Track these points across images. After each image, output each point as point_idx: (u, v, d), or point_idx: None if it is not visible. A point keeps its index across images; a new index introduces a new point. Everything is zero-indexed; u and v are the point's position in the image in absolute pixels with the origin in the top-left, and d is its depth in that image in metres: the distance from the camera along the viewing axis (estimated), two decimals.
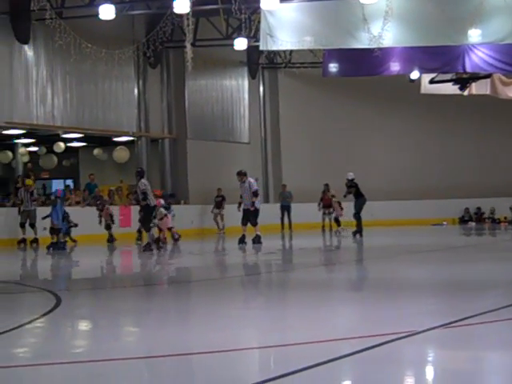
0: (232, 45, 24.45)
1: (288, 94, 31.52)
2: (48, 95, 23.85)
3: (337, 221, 24.96)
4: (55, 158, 31.28)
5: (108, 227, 20.99)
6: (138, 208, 17.83)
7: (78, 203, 23.58)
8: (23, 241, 20.06)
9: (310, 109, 31.26)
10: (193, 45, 21.54)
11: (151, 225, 17.33)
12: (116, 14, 20.23)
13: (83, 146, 31.50)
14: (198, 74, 26.47)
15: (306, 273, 12.11)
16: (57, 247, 18.05)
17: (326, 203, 25.61)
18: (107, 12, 20.03)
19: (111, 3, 19.86)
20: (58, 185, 34.27)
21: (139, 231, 19.69)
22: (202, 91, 28.69)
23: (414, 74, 24.80)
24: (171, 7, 19.88)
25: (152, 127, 27.17)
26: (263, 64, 31.15)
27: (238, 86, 30.29)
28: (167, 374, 5.08)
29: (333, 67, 23.59)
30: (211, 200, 26.23)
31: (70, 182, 33.37)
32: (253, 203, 18.42)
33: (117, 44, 24.17)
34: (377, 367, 5.01)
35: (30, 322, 7.00)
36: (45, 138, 27.75)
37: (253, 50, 27.67)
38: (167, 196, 21.36)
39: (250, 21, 22.41)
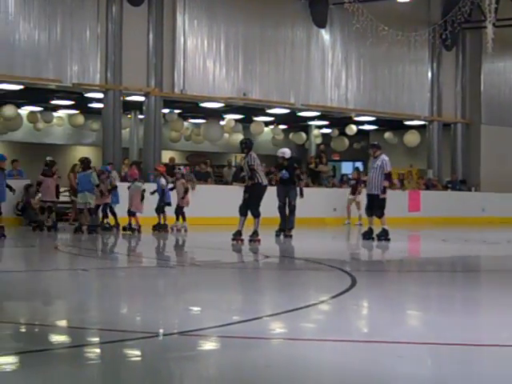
0: None
1: None
2: (342, 78, 24.33)
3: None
4: (346, 141, 31.88)
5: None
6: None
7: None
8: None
9: None
10: (493, 25, 20.70)
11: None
12: None
13: (374, 129, 31.75)
14: (496, 55, 25.30)
15: None
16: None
17: None
18: None
19: None
20: (348, 167, 34.93)
21: (177, 214, 16.40)
22: (500, 74, 27.50)
23: None
24: None
25: (444, 111, 26.58)
26: None
27: None
28: (451, 362, 4.85)
29: None
30: (506, 188, 25.25)
31: (359, 164, 33.79)
32: (384, 189, 14.74)
33: (412, 26, 24.00)
34: None
35: (334, 297, 7.31)
36: (337, 120, 28.38)
37: None
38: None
39: None
